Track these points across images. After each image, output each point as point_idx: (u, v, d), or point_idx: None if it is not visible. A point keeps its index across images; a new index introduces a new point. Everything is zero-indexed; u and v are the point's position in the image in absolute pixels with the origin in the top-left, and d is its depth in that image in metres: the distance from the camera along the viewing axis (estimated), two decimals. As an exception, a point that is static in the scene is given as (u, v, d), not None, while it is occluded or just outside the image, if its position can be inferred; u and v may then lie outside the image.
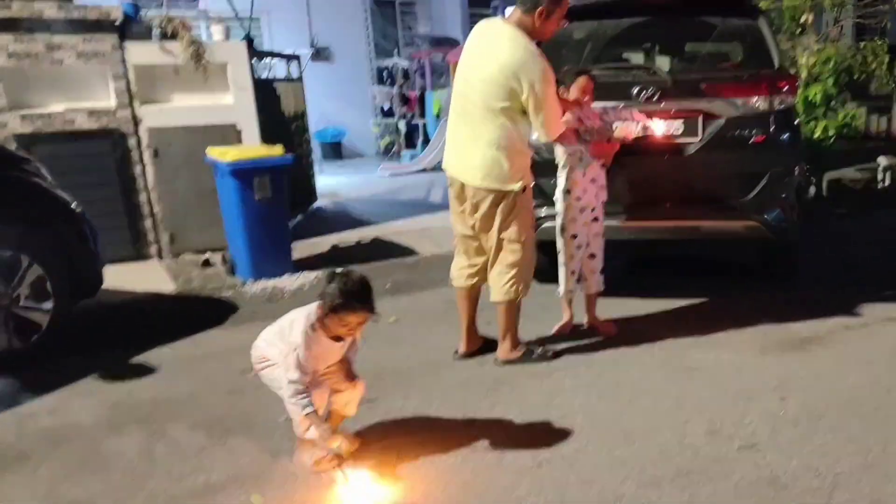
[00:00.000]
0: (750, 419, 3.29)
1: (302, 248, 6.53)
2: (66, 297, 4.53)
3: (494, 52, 3.63)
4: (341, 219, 8.37)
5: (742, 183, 4.57)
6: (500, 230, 3.85)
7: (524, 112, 3.68)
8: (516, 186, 3.76)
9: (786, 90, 4.55)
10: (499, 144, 3.68)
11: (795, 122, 4.82)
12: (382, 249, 6.86)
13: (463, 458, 3.07)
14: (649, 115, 4.57)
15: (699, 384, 3.70)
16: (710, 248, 6.09)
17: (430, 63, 14.54)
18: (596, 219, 4.35)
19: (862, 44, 8.90)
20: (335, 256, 6.60)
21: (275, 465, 3.07)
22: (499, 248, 3.90)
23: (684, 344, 4.20)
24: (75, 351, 4.43)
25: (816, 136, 8.24)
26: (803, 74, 8.22)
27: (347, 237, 7.26)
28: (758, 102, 4.50)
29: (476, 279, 4.08)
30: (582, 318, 4.51)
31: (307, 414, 2.81)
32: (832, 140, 8.33)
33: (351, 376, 3.07)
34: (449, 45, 14.00)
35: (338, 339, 2.93)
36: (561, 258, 4.38)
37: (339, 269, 2.88)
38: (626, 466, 2.94)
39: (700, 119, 4.54)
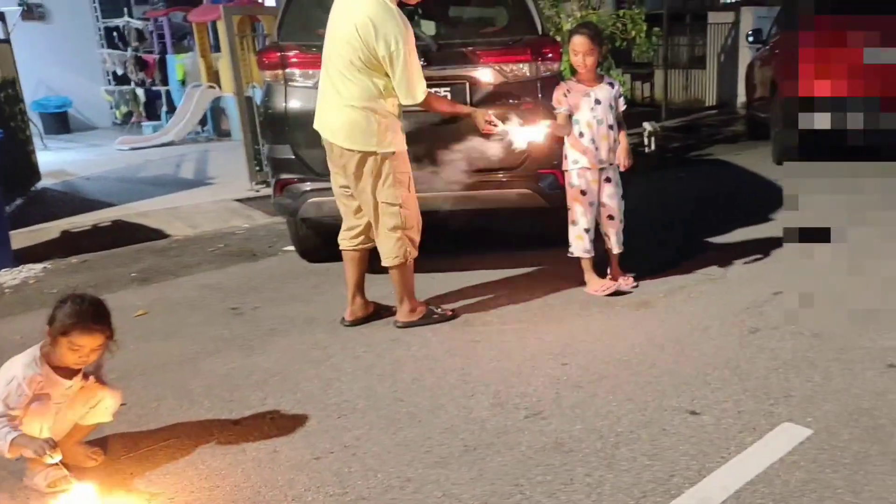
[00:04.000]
0: (534, 387, 3.28)
1: (23, 237, 5.74)
2: None
3: (354, 8, 3.61)
4: (73, 200, 7.50)
5: (513, 151, 4.32)
6: (375, 193, 3.76)
7: (387, 73, 3.63)
8: (380, 148, 3.67)
9: (550, 56, 4.55)
10: (360, 105, 3.66)
11: None
12: (126, 233, 6.20)
13: (232, 459, 2.80)
14: None
15: (483, 357, 3.65)
16: (499, 218, 5.91)
17: (168, 23, 13.47)
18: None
19: (621, 11, 9.12)
20: (67, 243, 5.85)
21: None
22: (377, 211, 3.80)
23: (465, 318, 4.12)
24: None
25: None
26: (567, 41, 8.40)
27: (81, 221, 6.51)
28: (524, 69, 4.45)
29: (358, 241, 4.01)
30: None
31: (12, 441, 2.43)
32: None
33: (102, 384, 2.75)
34: (189, 2, 12.94)
35: (69, 375, 2.60)
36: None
37: (71, 292, 2.61)
38: (411, 448, 2.84)
39: (467, 86, 4.42)
